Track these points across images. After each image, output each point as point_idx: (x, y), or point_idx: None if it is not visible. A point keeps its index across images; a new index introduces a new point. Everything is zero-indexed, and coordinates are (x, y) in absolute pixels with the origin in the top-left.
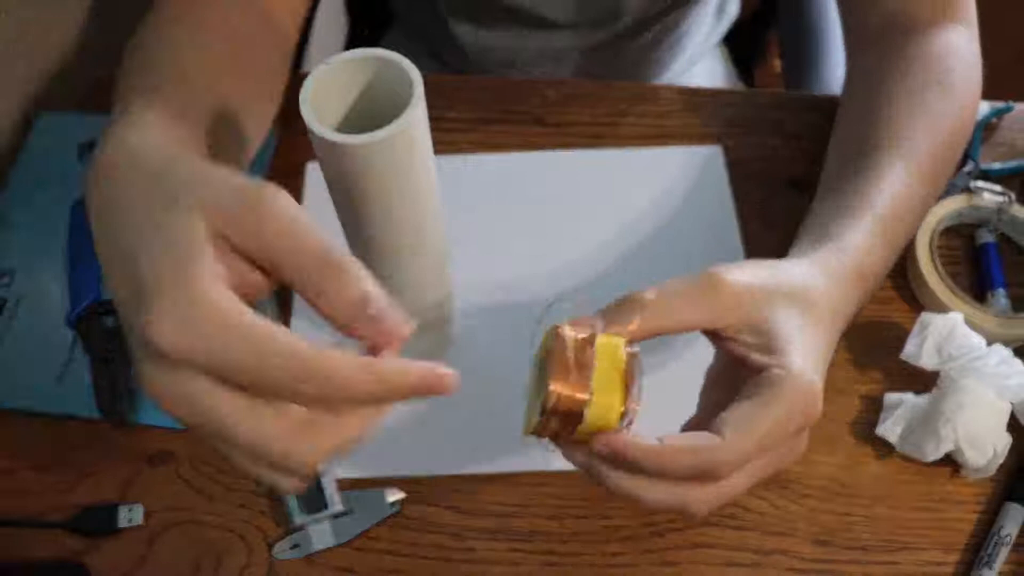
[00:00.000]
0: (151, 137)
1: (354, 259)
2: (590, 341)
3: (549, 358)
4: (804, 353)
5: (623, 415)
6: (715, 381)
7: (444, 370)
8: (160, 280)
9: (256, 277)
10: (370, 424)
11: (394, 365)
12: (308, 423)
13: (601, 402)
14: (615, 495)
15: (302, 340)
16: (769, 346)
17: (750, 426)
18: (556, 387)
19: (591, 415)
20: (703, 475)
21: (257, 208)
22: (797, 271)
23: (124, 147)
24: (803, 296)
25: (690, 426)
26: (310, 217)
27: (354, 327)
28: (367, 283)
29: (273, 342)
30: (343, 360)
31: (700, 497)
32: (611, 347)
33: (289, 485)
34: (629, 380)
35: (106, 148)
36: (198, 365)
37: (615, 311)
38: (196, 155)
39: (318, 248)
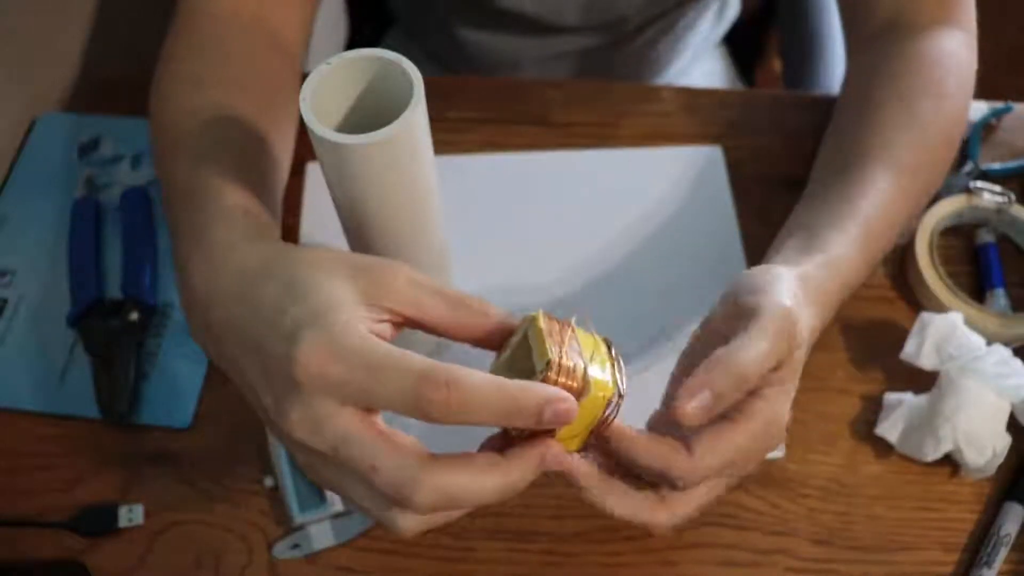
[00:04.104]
0: (255, 230)
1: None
2: (574, 390)
3: (536, 340)
4: (791, 383)
5: (610, 401)
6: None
7: (566, 395)
8: (310, 315)
9: (392, 329)
10: (495, 487)
11: (518, 384)
12: (434, 459)
13: (596, 381)
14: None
15: (431, 360)
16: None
17: (720, 451)
18: (553, 359)
19: (588, 399)
20: (663, 480)
21: (394, 269)
22: (801, 295)
23: (238, 240)
24: (804, 319)
25: (656, 420)
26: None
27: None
28: (492, 307)
29: (407, 359)
30: (470, 375)
31: (661, 518)
32: (594, 402)
33: (405, 526)
34: (616, 365)
35: (219, 244)
36: (334, 379)
37: (704, 385)
38: (316, 249)
39: (450, 293)
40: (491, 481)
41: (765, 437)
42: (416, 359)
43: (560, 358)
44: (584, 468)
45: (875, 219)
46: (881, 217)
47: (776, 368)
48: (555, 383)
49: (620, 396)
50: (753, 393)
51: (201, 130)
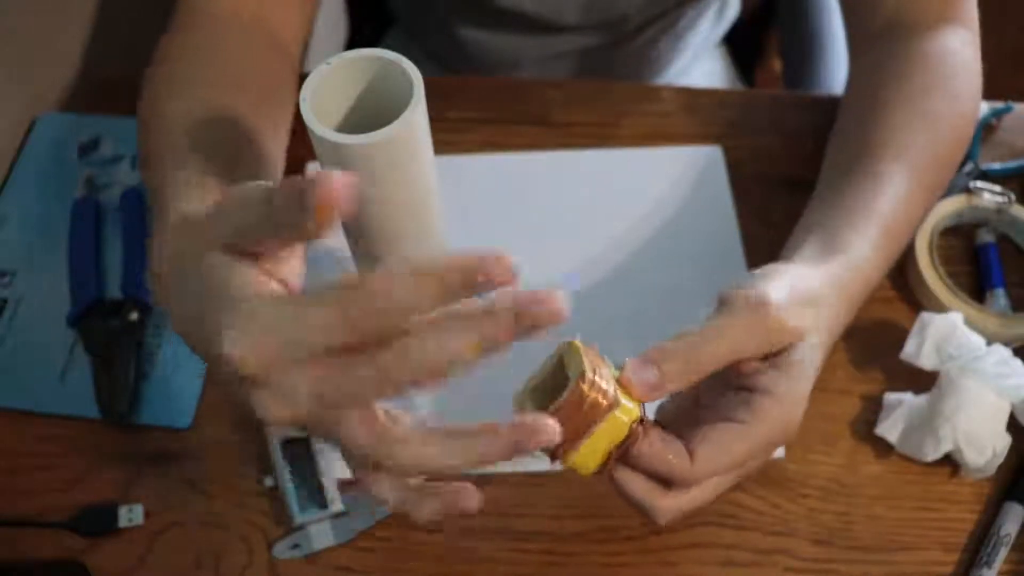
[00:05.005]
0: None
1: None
2: (602, 408)
3: (563, 406)
4: (806, 378)
5: (633, 425)
6: None
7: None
8: (212, 316)
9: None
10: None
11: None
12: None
13: (579, 462)
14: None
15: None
16: (781, 366)
17: (723, 453)
18: (588, 374)
19: (569, 463)
20: (666, 480)
21: (225, 198)
22: (816, 290)
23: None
24: (820, 319)
25: (665, 412)
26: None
27: None
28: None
29: (320, 293)
30: (394, 272)
31: (665, 505)
32: (617, 425)
33: (383, 490)
34: (617, 451)
35: (168, 228)
36: (271, 354)
37: (654, 364)
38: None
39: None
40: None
41: (776, 437)
42: (331, 287)
43: (594, 375)
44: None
45: (892, 219)
46: (897, 217)
47: (771, 363)
48: (586, 394)
49: (643, 423)
50: (763, 391)
51: (181, 128)
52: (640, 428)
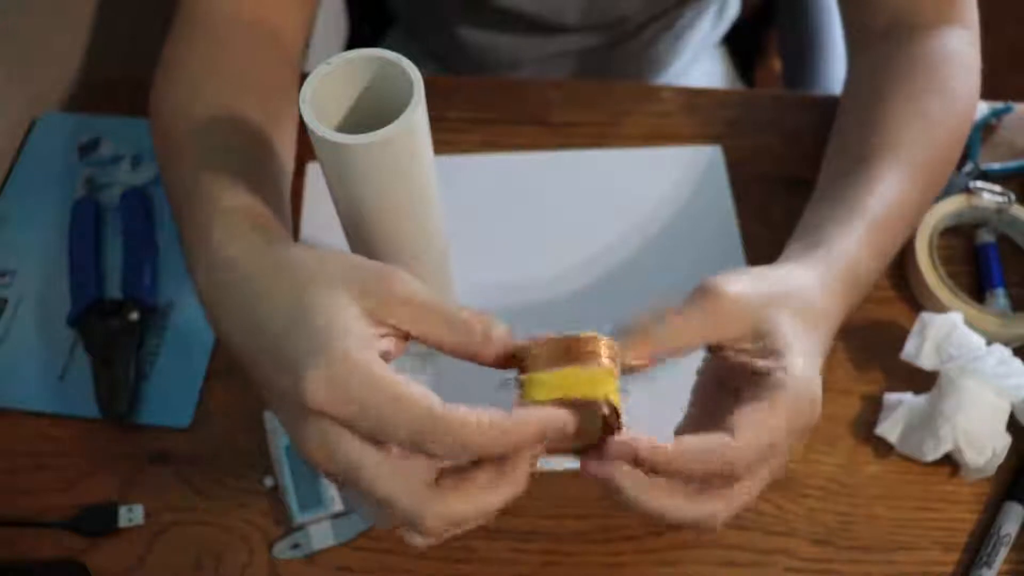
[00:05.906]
0: (253, 235)
1: (473, 311)
2: (596, 364)
3: (569, 337)
4: (804, 355)
5: (601, 404)
6: (707, 387)
7: (562, 413)
8: (313, 345)
9: (398, 343)
10: (499, 502)
11: (513, 417)
12: (440, 488)
13: (532, 381)
14: (632, 509)
15: (434, 399)
16: (770, 350)
17: (761, 426)
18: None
19: (525, 380)
20: (719, 476)
21: (392, 285)
22: (789, 277)
23: (235, 251)
24: (797, 301)
25: (681, 428)
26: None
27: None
28: (496, 324)
29: (410, 401)
30: (469, 417)
31: (716, 508)
32: (595, 381)
33: (421, 542)
34: (571, 403)
35: (219, 256)
36: (342, 418)
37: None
38: (315, 249)
39: (451, 315)
40: (494, 498)
41: (803, 407)
42: (420, 403)
43: (613, 354)
44: (620, 470)
45: (883, 215)
46: (889, 213)
47: (759, 351)
48: (596, 347)
49: (610, 410)
50: (763, 373)
51: (203, 134)
52: (608, 412)
